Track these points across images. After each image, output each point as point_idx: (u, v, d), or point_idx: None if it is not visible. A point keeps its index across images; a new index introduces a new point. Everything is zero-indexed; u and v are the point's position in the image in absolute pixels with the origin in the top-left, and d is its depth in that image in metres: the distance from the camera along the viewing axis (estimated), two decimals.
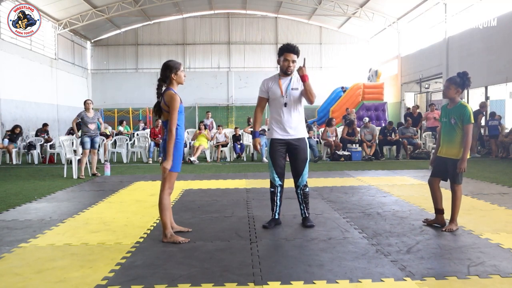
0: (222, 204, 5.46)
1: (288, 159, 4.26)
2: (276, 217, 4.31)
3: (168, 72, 3.75)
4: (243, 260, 3.23)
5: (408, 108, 16.21)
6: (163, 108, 3.71)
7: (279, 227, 4.26)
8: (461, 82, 4.02)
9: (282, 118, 4.12)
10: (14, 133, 12.03)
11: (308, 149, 4.27)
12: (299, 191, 4.26)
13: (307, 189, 4.28)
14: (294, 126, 4.14)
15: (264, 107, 4.31)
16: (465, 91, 16.15)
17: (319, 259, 3.25)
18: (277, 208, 4.29)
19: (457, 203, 4.02)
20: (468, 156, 4.01)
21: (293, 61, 4.11)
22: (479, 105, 12.35)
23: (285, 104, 4.09)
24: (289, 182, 4.52)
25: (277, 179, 4.24)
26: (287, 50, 4.08)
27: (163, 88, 3.77)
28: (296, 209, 4.72)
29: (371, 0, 20.43)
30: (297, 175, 4.20)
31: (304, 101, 4.23)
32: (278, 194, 4.27)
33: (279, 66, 4.18)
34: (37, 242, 3.80)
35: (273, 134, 4.18)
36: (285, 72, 4.14)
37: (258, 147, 4.32)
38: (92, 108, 8.58)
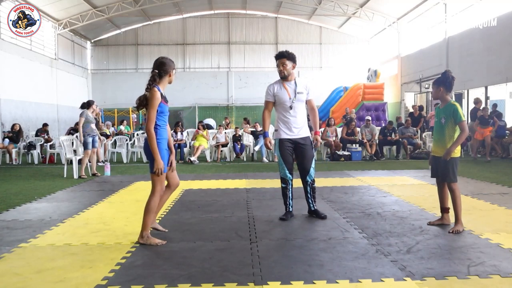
0: (222, 204, 5.46)
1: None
2: (291, 210, 4.60)
3: (168, 69, 3.69)
4: (243, 260, 3.23)
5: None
6: (143, 104, 3.65)
7: (279, 227, 4.26)
8: (447, 80, 4.07)
9: (289, 119, 4.44)
10: (13, 131, 12.02)
11: (313, 147, 4.55)
12: (308, 187, 4.54)
13: (315, 184, 4.59)
14: (300, 126, 4.46)
15: (271, 110, 4.64)
16: (465, 91, 16.19)
17: (319, 259, 3.25)
18: (291, 201, 4.58)
19: (457, 201, 4.02)
20: (458, 155, 4.06)
21: (283, 65, 4.42)
22: (473, 102, 12.30)
23: (291, 107, 4.42)
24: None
25: (288, 174, 4.50)
26: (276, 57, 4.49)
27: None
28: (296, 209, 4.73)
29: (371, 0, 20.43)
30: (305, 172, 4.49)
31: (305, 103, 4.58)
32: (290, 188, 4.54)
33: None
34: (37, 242, 3.80)
35: (281, 134, 4.48)
36: (280, 76, 4.49)
37: (269, 145, 4.69)
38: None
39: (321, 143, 4.60)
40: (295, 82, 4.47)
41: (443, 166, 4.05)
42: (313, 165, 4.50)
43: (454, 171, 4.03)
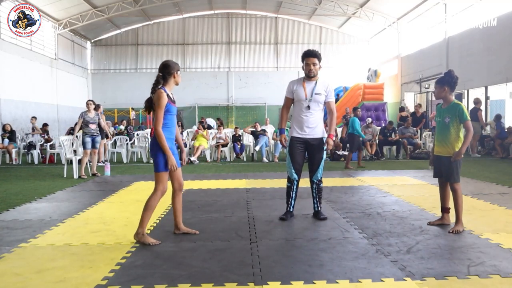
0: (222, 204, 5.46)
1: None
2: (291, 210, 4.61)
3: (171, 70, 3.77)
4: (243, 260, 3.23)
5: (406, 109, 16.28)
6: (152, 106, 3.73)
7: (279, 227, 4.27)
8: (451, 80, 4.07)
9: (302, 119, 4.44)
10: (7, 132, 12.01)
11: (324, 149, 4.53)
12: (314, 186, 4.55)
13: (322, 184, 4.59)
14: (313, 126, 4.44)
15: (289, 107, 4.64)
16: (465, 91, 16.19)
17: (319, 259, 3.25)
18: (293, 202, 4.59)
19: (459, 201, 4.03)
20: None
21: (314, 64, 4.41)
22: (473, 101, 12.31)
23: (308, 107, 4.41)
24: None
25: (294, 174, 4.51)
26: (307, 55, 4.44)
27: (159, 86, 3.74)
28: (296, 209, 4.73)
29: (371, 0, 20.42)
30: (312, 171, 4.53)
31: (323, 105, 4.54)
32: (294, 188, 4.55)
33: (304, 71, 4.52)
34: (37, 242, 3.80)
35: (293, 132, 4.51)
36: (307, 75, 4.46)
37: (284, 142, 4.64)
38: (94, 109, 8.66)
39: (332, 146, 4.55)
40: (316, 83, 4.45)
41: (448, 166, 4.04)
42: (321, 166, 4.50)
43: (458, 171, 4.03)
